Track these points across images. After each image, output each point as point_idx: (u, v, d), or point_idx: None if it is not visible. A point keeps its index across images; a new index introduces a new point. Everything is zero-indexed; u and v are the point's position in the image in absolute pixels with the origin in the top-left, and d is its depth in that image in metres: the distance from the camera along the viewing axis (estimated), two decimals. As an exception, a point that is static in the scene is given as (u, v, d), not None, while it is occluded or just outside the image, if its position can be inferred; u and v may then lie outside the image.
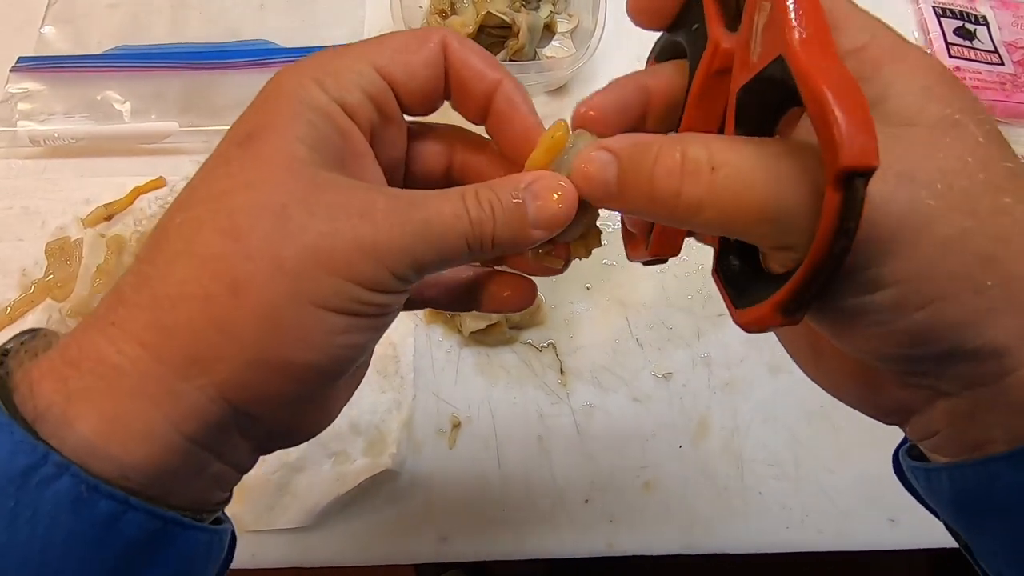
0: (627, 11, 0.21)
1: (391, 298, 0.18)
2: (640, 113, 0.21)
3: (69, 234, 0.47)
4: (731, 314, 0.18)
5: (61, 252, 0.46)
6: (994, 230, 0.16)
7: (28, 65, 0.51)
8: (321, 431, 0.21)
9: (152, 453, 0.16)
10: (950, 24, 0.59)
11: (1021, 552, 0.19)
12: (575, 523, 0.42)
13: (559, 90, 0.55)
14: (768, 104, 0.17)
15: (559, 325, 0.47)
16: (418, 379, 0.45)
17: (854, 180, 0.14)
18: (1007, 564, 0.20)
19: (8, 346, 0.17)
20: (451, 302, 0.24)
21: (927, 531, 0.44)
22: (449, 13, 0.52)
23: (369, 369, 0.48)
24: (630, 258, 0.25)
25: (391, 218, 0.18)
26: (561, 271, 0.23)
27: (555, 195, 0.19)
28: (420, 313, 0.47)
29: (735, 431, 0.45)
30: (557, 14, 0.55)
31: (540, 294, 0.48)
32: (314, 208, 0.17)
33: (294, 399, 0.18)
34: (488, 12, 0.49)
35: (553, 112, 0.55)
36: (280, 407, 0.18)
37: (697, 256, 0.50)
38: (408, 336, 0.46)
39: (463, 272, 0.24)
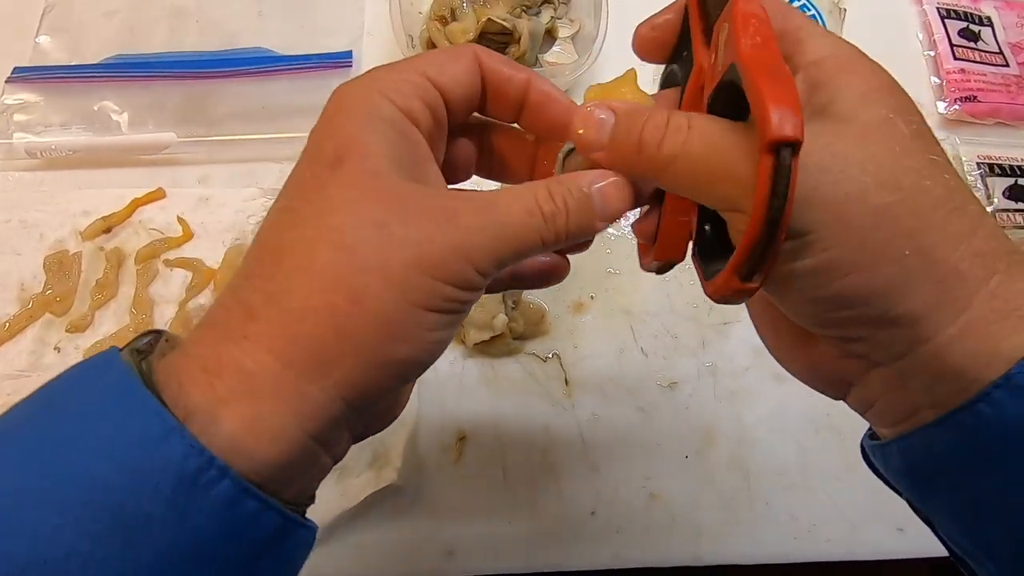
0: (633, 49, 0.24)
1: (475, 294, 0.20)
2: None
3: (68, 247, 0.47)
4: (703, 286, 0.21)
5: (60, 266, 0.46)
6: (914, 207, 0.19)
7: (24, 76, 0.51)
8: (397, 416, 0.24)
9: (281, 451, 0.18)
10: (954, 25, 0.59)
11: (967, 511, 0.21)
12: (582, 536, 0.42)
13: (561, 96, 0.54)
14: (731, 106, 0.20)
15: (563, 335, 0.47)
16: (422, 392, 0.45)
17: (780, 149, 0.16)
18: (955, 525, 0.22)
19: (140, 345, 0.19)
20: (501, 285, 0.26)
21: (935, 540, 0.43)
22: (449, 20, 0.51)
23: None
24: (643, 266, 0.27)
25: (474, 221, 0.19)
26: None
27: (617, 189, 0.22)
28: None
29: (741, 441, 0.45)
30: (558, 19, 0.54)
31: (543, 304, 0.48)
32: (408, 219, 0.19)
33: (393, 390, 0.20)
34: (489, 19, 0.49)
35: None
36: (383, 400, 0.21)
37: (702, 264, 0.50)
38: (411, 348, 0.46)
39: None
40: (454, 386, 0.45)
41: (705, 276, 0.21)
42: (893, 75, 0.21)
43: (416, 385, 0.45)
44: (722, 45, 0.20)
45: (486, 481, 0.43)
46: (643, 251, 0.27)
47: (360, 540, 0.41)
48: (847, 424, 0.46)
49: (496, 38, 0.50)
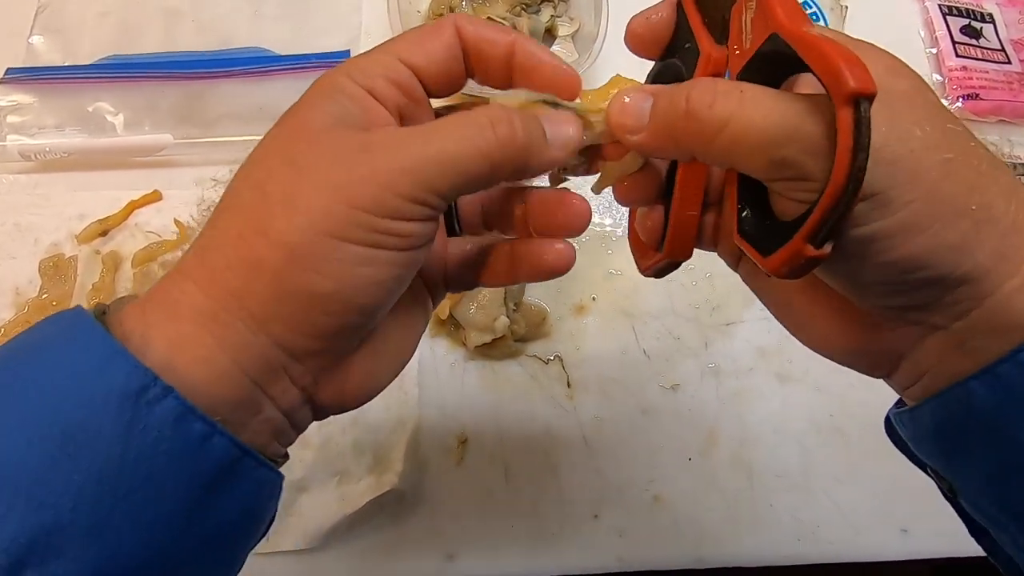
0: (626, 43, 0.24)
1: (412, 226, 0.19)
2: None
3: (63, 251, 0.46)
4: (761, 264, 0.20)
5: (55, 270, 0.45)
6: (971, 162, 0.19)
7: (17, 77, 0.50)
8: (370, 398, 0.23)
9: (211, 377, 0.18)
10: (956, 22, 0.58)
11: (1000, 467, 0.20)
12: (584, 538, 0.42)
13: (561, 95, 0.54)
14: (765, 76, 0.20)
15: (565, 337, 0.47)
16: (423, 395, 0.44)
17: (860, 102, 0.16)
18: (986, 490, 0.21)
19: (107, 304, 0.21)
20: (490, 276, 0.25)
21: (939, 540, 0.43)
22: (448, 18, 0.51)
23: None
24: (642, 270, 0.26)
25: (390, 146, 0.19)
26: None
27: (567, 119, 0.22)
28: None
29: (744, 442, 0.45)
30: (558, 17, 0.54)
31: (545, 306, 0.47)
32: (321, 152, 0.19)
33: (329, 336, 0.20)
34: (489, 17, 0.48)
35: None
36: (317, 344, 0.20)
37: (704, 264, 0.49)
38: (412, 350, 0.45)
39: (499, 245, 0.25)
40: (455, 389, 0.45)
41: (762, 254, 0.20)
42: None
43: (417, 388, 0.45)
44: (747, 25, 0.20)
45: (488, 484, 0.43)
46: (642, 254, 0.26)
47: (361, 545, 0.41)
48: (850, 425, 0.46)
49: (495, 37, 0.50)
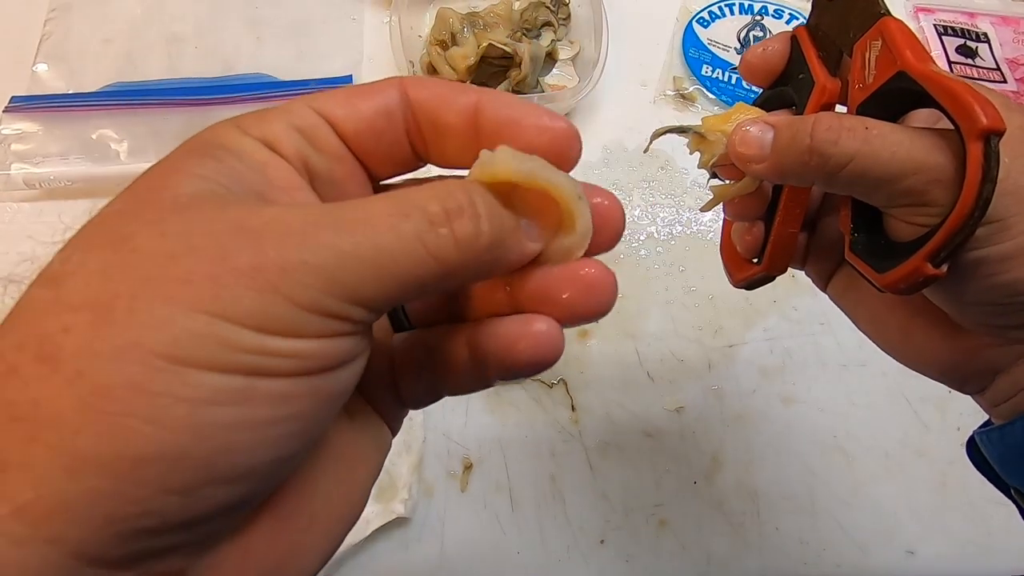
0: (741, 74, 0.27)
1: (316, 345, 0.13)
2: None
3: (68, 279, 0.46)
4: (875, 281, 0.22)
5: (60, 298, 0.45)
6: None
7: (21, 105, 0.50)
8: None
9: None
10: (952, 42, 0.59)
11: None
12: (591, 564, 0.42)
13: (562, 118, 0.54)
14: (885, 110, 0.22)
15: (569, 360, 0.47)
16: (427, 420, 0.44)
17: (991, 138, 0.18)
18: None
19: None
20: (454, 382, 0.18)
21: (944, 562, 0.43)
22: (450, 44, 0.51)
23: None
24: (735, 282, 0.28)
25: (290, 226, 0.13)
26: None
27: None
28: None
29: (749, 465, 0.45)
30: (558, 41, 0.54)
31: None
32: (176, 231, 0.12)
33: (176, 524, 0.12)
34: (490, 43, 0.49)
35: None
36: (156, 540, 0.12)
37: (706, 286, 0.50)
38: (416, 376, 0.45)
39: (453, 334, 0.17)
40: (459, 413, 0.45)
41: (878, 271, 0.22)
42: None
43: (422, 413, 0.45)
44: (871, 60, 0.22)
45: (493, 510, 0.43)
46: (737, 267, 0.28)
47: (367, 573, 0.41)
48: (854, 447, 0.46)
49: (497, 62, 0.50)
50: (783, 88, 0.26)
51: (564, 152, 0.16)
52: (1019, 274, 0.20)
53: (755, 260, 0.27)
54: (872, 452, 0.46)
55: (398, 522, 0.41)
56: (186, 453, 0.12)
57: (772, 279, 0.27)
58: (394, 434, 0.18)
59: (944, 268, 0.20)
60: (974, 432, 0.25)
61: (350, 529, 0.16)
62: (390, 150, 0.17)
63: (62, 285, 0.12)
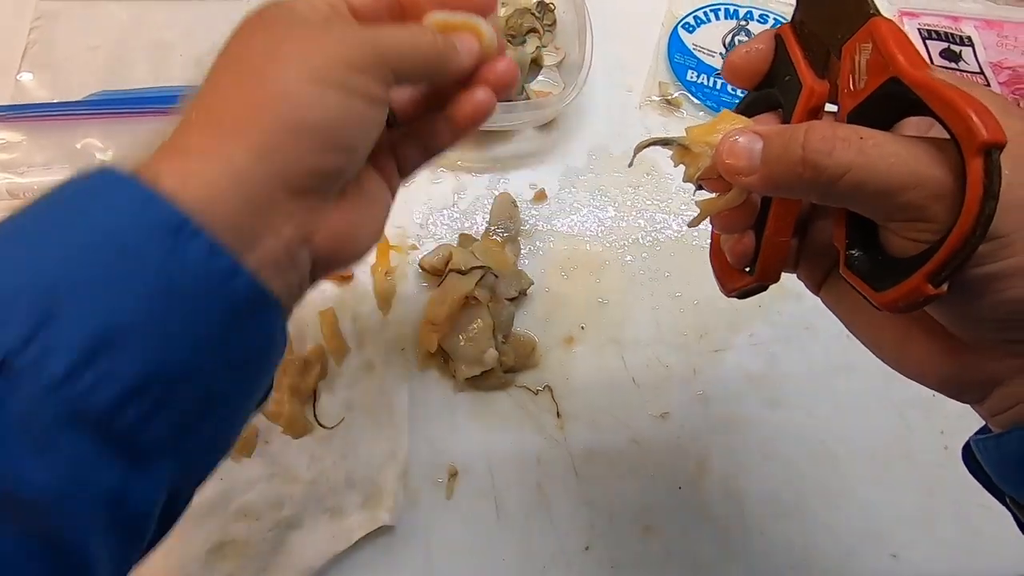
0: (723, 76, 0.26)
1: (373, 84, 0.23)
2: None
3: (52, 289, 0.46)
4: (872, 299, 0.21)
5: (44, 308, 0.45)
6: None
7: (5, 114, 0.50)
8: (358, 253, 0.25)
9: (214, 200, 0.20)
10: (936, 46, 0.59)
11: None
12: (576, 571, 0.42)
13: (548, 125, 0.54)
14: (877, 117, 0.21)
15: (554, 367, 0.47)
16: (413, 427, 0.44)
17: (992, 152, 0.17)
18: None
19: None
20: (434, 142, 0.29)
21: (929, 565, 0.43)
22: (434, 51, 0.51)
23: (363, 418, 0.47)
24: (727, 292, 0.27)
25: (355, 27, 0.24)
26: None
27: (471, 38, 0.26)
28: (413, 359, 0.46)
29: (735, 469, 0.45)
30: (543, 47, 0.54)
31: (534, 336, 0.47)
32: (299, 24, 0.23)
33: (318, 170, 0.22)
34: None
35: (542, 148, 0.54)
36: (308, 180, 0.22)
37: (691, 291, 0.50)
38: (402, 383, 0.45)
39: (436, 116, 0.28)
40: (445, 421, 0.45)
41: (876, 289, 0.21)
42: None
43: (407, 420, 0.45)
44: (861, 64, 0.21)
45: (479, 517, 0.43)
46: (729, 277, 0.27)
47: (353, 582, 0.41)
48: (840, 451, 0.46)
49: (481, 69, 0.50)
50: (769, 90, 0.25)
51: (481, 9, 0.27)
52: (1018, 293, 0.19)
53: (747, 269, 0.26)
54: (858, 456, 0.46)
55: (383, 530, 0.41)
56: (326, 127, 0.22)
57: (766, 288, 0.26)
58: (392, 197, 0.28)
59: (945, 287, 0.19)
60: (970, 439, 0.25)
61: (379, 232, 0.27)
62: (387, 15, 0.27)
63: (256, 49, 0.23)
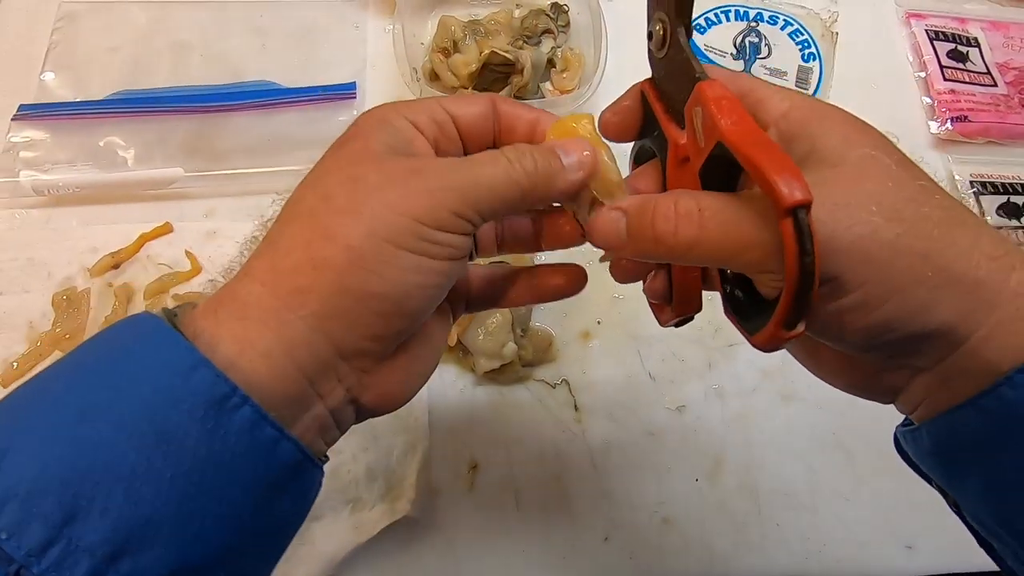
0: (601, 132, 0.26)
1: (455, 239, 0.22)
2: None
3: (76, 284, 0.47)
4: (748, 341, 0.22)
5: (68, 303, 0.46)
6: (922, 232, 0.20)
7: (29, 113, 0.51)
8: (404, 401, 0.25)
9: (271, 373, 0.20)
10: (943, 47, 0.60)
11: (991, 491, 0.22)
12: (595, 562, 0.42)
13: (562, 123, 0.55)
14: (723, 174, 0.22)
15: (571, 361, 0.47)
16: (433, 420, 0.45)
17: (797, 212, 0.18)
18: (981, 505, 0.23)
19: (175, 308, 0.22)
20: (510, 297, 0.29)
21: (943, 556, 0.44)
22: (452, 51, 0.52)
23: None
24: (662, 324, 0.29)
25: (440, 170, 0.22)
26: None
27: (580, 149, 0.24)
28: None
29: (750, 462, 0.46)
30: (558, 48, 0.55)
31: (551, 330, 0.48)
32: (382, 172, 0.22)
33: (378, 336, 0.22)
34: (492, 51, 0.50)
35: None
36: (366, 343, 0.22)
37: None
38: (421, 377, 0.46)
39: (519, 270, 0.29)
40: (465, 414, 0.46)
41: (748, 332, 0.22)
42: (886, 97, 0.22)
43: (427, 413, 0.45)
44: (699, 126, 0.21)
45: (499, 509, 0.43)
46: (659, 310, 0.29)
47: (375, 572, 0.41)
48: (854, 442, 0.47)
49: (499, 69, 0.51)
50: (646, 142, 0.26)
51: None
52: (870, 320, 0.21)
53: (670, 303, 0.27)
54: (871, 448, 0.46)
55: (405, 522, 0.41)
56: (392, 294, 0.21)
57: (691, 318, 0.27)
58: (454, 322, 0.28)
59: (800, 328, 0.20)
60: (896, 429, 0.26)
61: (430, 375, 0.26)
62: (481, 137, 0.26)
63: (329, 200, 0.22)
